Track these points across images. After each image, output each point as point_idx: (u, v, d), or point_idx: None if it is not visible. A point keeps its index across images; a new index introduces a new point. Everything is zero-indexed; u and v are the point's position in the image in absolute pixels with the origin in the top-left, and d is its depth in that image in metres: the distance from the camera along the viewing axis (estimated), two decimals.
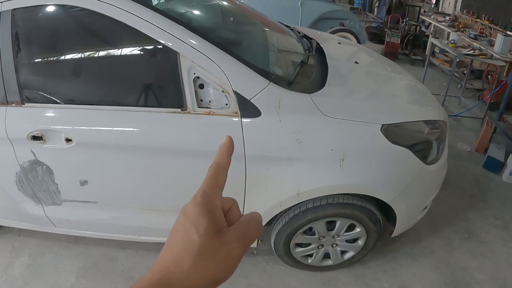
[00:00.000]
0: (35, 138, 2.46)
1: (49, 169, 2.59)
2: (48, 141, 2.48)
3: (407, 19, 10.45)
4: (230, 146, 0.66)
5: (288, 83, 2.50)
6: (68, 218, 2.89)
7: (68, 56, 2.53)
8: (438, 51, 8.65)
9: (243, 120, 2.34)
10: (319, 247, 3.03)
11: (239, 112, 2.34)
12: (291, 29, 3.87)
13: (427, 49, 7.97)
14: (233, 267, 0.56)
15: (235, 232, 0.57)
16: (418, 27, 10.51)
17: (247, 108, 2.33)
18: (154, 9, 2.32)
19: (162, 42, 2.28)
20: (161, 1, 2.90)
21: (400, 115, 2.72)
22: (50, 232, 3.17)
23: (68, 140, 2.45)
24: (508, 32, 7.12)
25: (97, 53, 2.50)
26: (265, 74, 2.42)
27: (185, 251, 0.54)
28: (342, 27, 8.18)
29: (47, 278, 3.14)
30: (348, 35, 8.11)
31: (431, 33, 9.91)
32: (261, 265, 3.29)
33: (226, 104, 2.35)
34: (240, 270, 3.20)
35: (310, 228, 2.88)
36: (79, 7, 2.29)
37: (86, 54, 2.50)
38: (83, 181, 2.63)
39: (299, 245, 3.03)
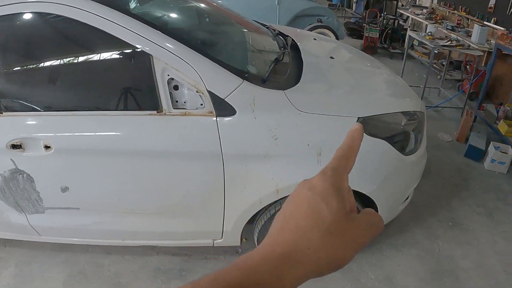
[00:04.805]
0: (14, 146, 2.45)
1: (29, 177, 2.59)
2: (27, 149, 2.47)
3: (385, 13, 10.52)
4: (361, 131, 0.61)
5: (262, 81, 2.52)
6: (51, 225, 2.88)
7: (44, 64, 2.53)
8: (417, 44, 8.73)
9: (218, 119, 2.36)
10: None
11: (214, 112, 2.35)
12: (267, 28, 3.89)
13: (405, 42, 8.02)
14: (355, 254, 0.53)
15: (364, 220, 0.55)
16: (396, 21, 10.59)
17: (222, 107, 2.35)
18: (126, 12, 2.34)
19: (135, 45, 2.30)
20: (136, 5, 2.90)
21: (376, 108, 2.75)
22: (36, 241, 3.16)
23: (47, 147, 2.45)
24: (485, 22, 7.19)
25: (73, 59, 2.50)
26: (239, 72, 2.44)
27: (314, 226, 0.51)
28: (320, 24, 8.22)
29: (34, 287, 3.12)
30: (327, 31, 8.14)
31: (409, 27, 10.00)
32: None
33: (201, 104, 2.37)
34: None
35: None
36: (54, 14, 2.29)
37: (62, 60, 2.50)
38: (64, 188, 2.62)
39: None
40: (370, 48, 9.62)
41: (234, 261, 0.49)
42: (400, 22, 10.57)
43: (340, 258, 0.51)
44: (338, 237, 0.51)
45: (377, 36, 9.78)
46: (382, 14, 10.51)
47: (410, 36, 7.54)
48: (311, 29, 7.85)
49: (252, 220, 2.85)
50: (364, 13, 12.20)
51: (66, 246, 3.35)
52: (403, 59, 7.70)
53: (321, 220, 0.51)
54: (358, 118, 2.56)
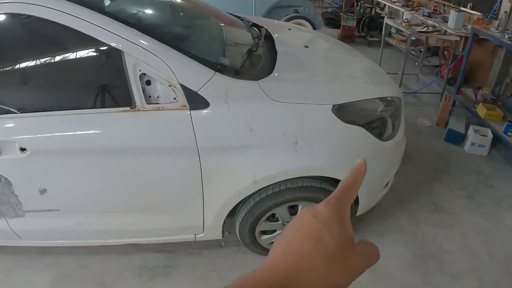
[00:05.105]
0: None
1: (7, 181, 2.56)
2: (3, 153, 2.44)
3: (362, 2, 10.60)
4: (365, 166, 0.65)
5: (235, 72, 2.52)
6: (33, 229, 2.85)
7: (15, 65, 2.49)
8: (394, 32, 8.79)
9: (192, 112, 2.34)
10: None
11: (187, 105, 2.34)
12: (241, 19, 3.89)
13: (383, 30, 8.08)
14: (351, 281, 0.55)
15: (363, 249, 0.57)
16: (373, 9, 10.65)
17: (195, 100, 2.34)
18: (95, 9, 2.31)
19: (105, 42, 2.27)
20: (107, 1, 2.88)
21: (352, 95, 2.75)
22: (19, 246, 3.15)
23: (22, 149, 2.42)
24: (461, 8, 7.23)
25: (45, 59, 2.47)
26: (211, 64, 2.43)
27: (317, 251, 0.52)
28: (297, 14, 8.18)
29: None
30: (304, 22, 8.13)
31: (386, 14, 10.04)
32: (230, 257, 3.30)
33: (174, 98, 2.35)
34: (209, 264, 3.24)
35: (273, 215, 2.90)
36: (24, 14, 2.26)
37: (33, 60, 2.46)
38: (42, 190, 2.60)
39: (264, 232, 3.06)
40: (347, 37, 9.68)
41: (234, 281, 0.50)
42: (377, 10, 10.64)
43: (338, 284, 0.53)
44: (338, 264, 0.52)
45: (355, 25, 9.85)
46: (359, 3, 10.59)
47: (387, 23, 7.58)
48: (287, 20, 7.80)
49: (232, 213, 2.85)
50: (341, 2, 12.22)
51: (50, 249, 3.34)
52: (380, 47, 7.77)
53: (324, 246, 0.53)
54: (334, 105, 2.57)
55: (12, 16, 2.31)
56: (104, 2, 2.79)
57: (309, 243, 0.53)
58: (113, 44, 2.27)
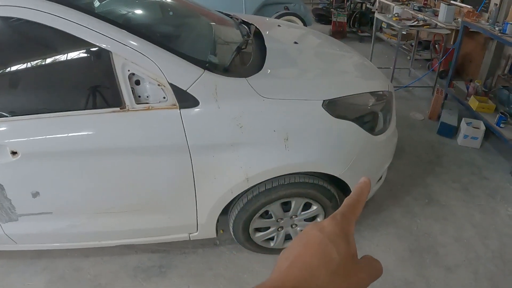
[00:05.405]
0: None
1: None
2: None
3: None
4: (369, 184, 0.67)
5: (224, 70, 2.51)
6: (27, 232, 2.84)
7: (3, 68, 2.46)
8: (385, 26, 8.81)
9: (182, 111, 2.34)
10: (279, 229, 3.06)
11: (177, 104, 2.33)
12: (231, 17, 3.88)
13: (373, 25, 8.10)
14: None
15: (366, 264, 0.59)
16: (364, 5, 10.66)
17: (185, 99, 2.33)
18: (82, 10, 2.28)
19: (93, 42, 2.25)
20: (94, 1, 2.86)
21: (342, 90, 2.75)
22: (14, 250, 3.13)
23: (13, 153, 2.41)
24: (451, 1, 7.24)
25: (33, 61, 2.45)
26: (199, 63, 2.42)
27: (323, 265, 0.54)
28: (287, 11, 8.20)
29: None
30: (294, 18, 8.16)
31: (377, 9, 10.06)
32: (225, 255, 3.30)
33: (164, 97, 2.34)
34: (204, 263, 3.23)
35: (267, 212, 2.90)
36: (11, 17, 2.24)
37: (22, 63, 2.44)
38: (35, 193, 2.58)
39: (258, 229, 3.05)
40: (338, 33, 9.75)
41: None
42: (367, 6, 10.64)
43: None
44: (343, 278, 0.54)
45: (345, 20, 9.90)
46: None
47: (377, 18, 7.59)
48: (278, 17, 7.88)
49: (226, 211, 2.85)
50: None
51: (45, 252, 3.33)
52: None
53: (330, 260, 0.54)
54: (324, 101, 2.57)
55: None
56: (93, 2, 2.78)
57: (315, 257, 0.54)
58: (101, 45, 2.26)
